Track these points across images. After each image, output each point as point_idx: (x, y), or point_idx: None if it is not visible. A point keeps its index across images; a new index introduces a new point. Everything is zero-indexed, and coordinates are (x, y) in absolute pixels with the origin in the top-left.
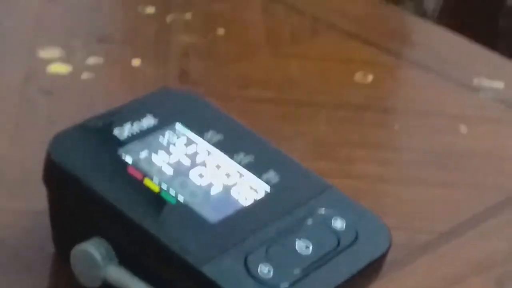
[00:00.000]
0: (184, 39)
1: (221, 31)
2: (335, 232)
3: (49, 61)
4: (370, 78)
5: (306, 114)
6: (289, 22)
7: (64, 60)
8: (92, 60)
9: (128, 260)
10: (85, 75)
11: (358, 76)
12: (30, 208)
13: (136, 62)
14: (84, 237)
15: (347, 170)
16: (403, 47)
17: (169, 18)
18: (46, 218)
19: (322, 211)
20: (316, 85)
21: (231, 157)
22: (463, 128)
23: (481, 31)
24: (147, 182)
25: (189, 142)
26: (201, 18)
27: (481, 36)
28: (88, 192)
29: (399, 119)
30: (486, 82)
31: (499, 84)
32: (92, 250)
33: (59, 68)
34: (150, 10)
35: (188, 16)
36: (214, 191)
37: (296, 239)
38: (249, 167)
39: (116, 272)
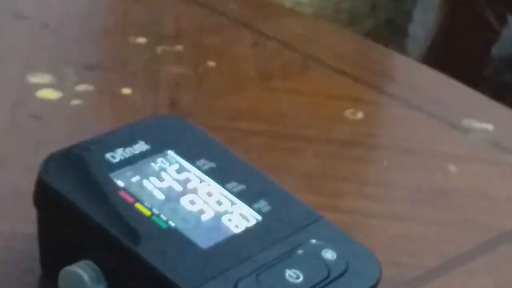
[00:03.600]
0: (175, 70)
1: (211, 63)
2: (325, 262)
3: (39, 87)
4: (359, 114)
5: (296, 148)
6: (280, 57)
7: (54, 86)
8: (82, 87)
9: (118, 284)
10: (74, 102)
11: (348, 113)
12: (19, 231)
13: (126, 90)
14: (73, 260)
15: (336, 204)
16: (393, 86)
17: (159, 49)
18: (34, 240)
19: (312, 241)
20: (306, 120)
21: (223, 185)
22: (452, 168)
23: (465, 79)
24: (138, 206)
25: (181, 169)
26: (192, 51)
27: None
28: (79, 214)
29: (388, 156)
30: (475, 123)
31: (488, 126)
32: (81, 272)
33: (49, 94)
34: (141, 40)
35: (179, 48)
36: (205, 217)
37: (287, 268)
38: (240, 195)
39: None
